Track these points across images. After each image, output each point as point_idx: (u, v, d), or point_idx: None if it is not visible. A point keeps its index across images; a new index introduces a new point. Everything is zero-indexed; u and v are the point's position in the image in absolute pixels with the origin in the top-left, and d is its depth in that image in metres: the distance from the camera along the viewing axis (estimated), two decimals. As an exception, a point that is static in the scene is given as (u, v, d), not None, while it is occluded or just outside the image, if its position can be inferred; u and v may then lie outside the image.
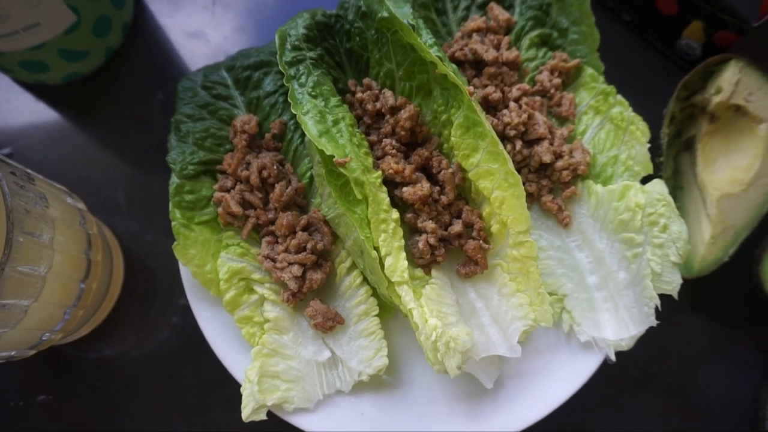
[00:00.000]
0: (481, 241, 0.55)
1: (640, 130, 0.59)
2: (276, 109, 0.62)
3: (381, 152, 0.58)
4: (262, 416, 0.54)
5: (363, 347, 0.55)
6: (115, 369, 0.65)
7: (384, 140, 0.58)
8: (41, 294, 0.52)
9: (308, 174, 0.61)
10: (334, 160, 0.52)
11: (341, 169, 0.52)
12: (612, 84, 0.62)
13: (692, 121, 0.66)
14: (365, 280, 0.57)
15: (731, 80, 0.61)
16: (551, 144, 0.59)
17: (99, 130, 0.73)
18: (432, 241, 0.55)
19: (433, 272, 0.56)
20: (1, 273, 0.47)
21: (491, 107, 0.61)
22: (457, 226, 0.55)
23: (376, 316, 0.56)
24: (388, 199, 0.54)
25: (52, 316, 0.55)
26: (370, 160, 0.56)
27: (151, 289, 0.67)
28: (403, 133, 0.57)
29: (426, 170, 0.58)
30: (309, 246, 0.56)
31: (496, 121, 0.59)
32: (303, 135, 0.61)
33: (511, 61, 0.61)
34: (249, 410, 0.53)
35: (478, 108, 0.53)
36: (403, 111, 0.57)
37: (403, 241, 0.53)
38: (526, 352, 0.56)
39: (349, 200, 0.54)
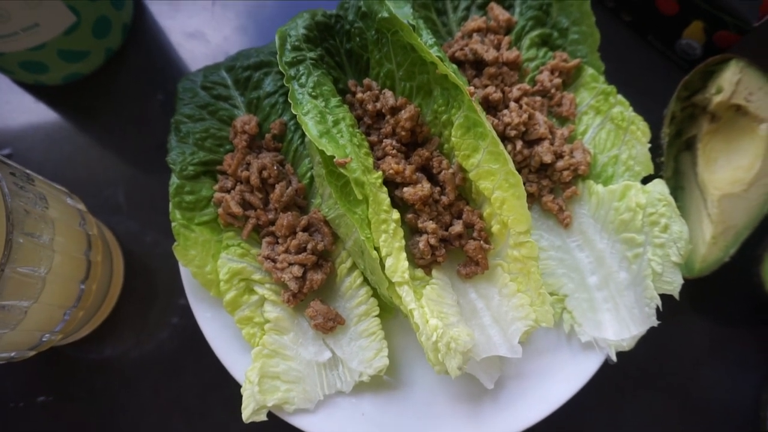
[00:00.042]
0: (481, 242, 0.55)
1: (640, 130, 0.59)
2: (276, 109, 0.62)
3: (381, 152, 0.58)
4: (263, 417, 0.54)
5: (363, 348, 0.55)
6: (115, 370, 0.65)
7: (384, 140, 0.58)
8: (41, 295, 0.52)
9: (308, 174, 0.60)
10: (334, 160, 0.52)
11: (342, 170, 0.52)
12: (612, 84, 0.61)
13: (693, 121, 0.66)
14: (366, 280, 0.57)
15: (732, 80, 0.61)
16: (552, 144, 0.59)
17: (99, 130, 0.73)
18: (432, 241, 0.55)
19: (434, 273, 0.56)
20: (0, 274, 0.46)
21: (492, 107, 0.61)
22: (457, 227, 0.55)
23: (376, 316, 0.56)
24: (388, 199, 0.54)
25: (52, 317, 0.55)
26: (371, 160, 0.56)
27: (151, 290, 0.67)
28: (403, 133, 0.57)
29: (426, 170, 0.58)
30: (309, 246, 0.56)
31: (496, 121, 0.59)
32: (303, 135, 0.61)
33: (512, 61, 0.61)
34: (249, 411, 0.53)
35: (479, 108, 0.53)
36: (403, 111, 0.57)
37: (403, 242, 0.53)
38: (527, 352, 0.56)
39: (349, 201, 0.54)
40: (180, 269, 0.59)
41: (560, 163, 0.59)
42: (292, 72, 0.57)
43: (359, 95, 0.60)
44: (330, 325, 0.55)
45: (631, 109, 0.60)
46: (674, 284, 0.54)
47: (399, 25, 0.55)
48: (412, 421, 0.55)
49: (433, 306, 0.52)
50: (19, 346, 0.55)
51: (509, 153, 0.54)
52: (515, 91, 0.61)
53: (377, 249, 0.52)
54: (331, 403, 0.56)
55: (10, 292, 0.48)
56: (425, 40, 0.54)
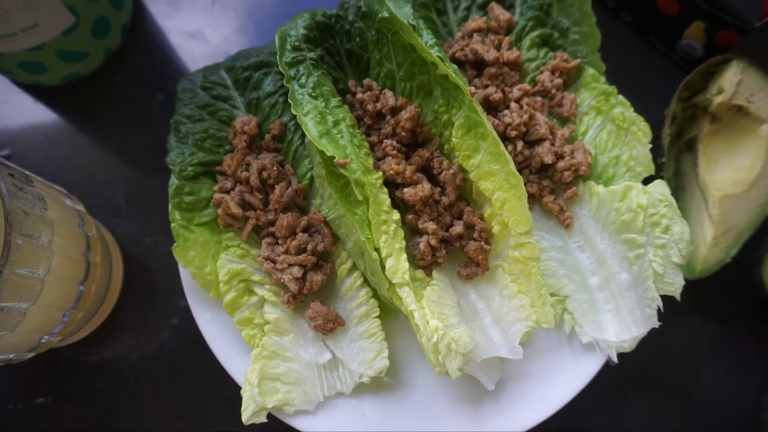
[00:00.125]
0: (482, 243, 0.55)
1: (641, 130, 0.59)
2: (276, 109, 0.62)
3: (382, 153, 0.58)
4: (262, 419, 0.54)
5: (364, 349, 0.55)
6: (114, 371, 0.65)
7: (385, 141, 0.58)
8: (40, 296, 0.52)
9: (308, 175, 0.60)
10: (334, 161, 0.52)
11: (342, 170, 0.52)
12: (613, 84, 0.61)
13: (694, 122, 0.66)
14: (366, 281, 0.57)
15: (733, 81, 0.61)
16: (552, 144, 0.59)
17: (98, 131, 0.73)
18: (433, 242, 0.55)
19: (434, 273, 0.56)
20: (-1, 275, 0.46)
21: (492, 108, 0.61)
22: (458, 228, 0.55)
23: (376, 317, 0.56)
24: (388, 200, 0.53)
25: (50, 318, 0.55)
26: (371, 161, 0.56)
27: (151, 291, 0.67)
28: (403, 133, 0.57)
29: (427, 171, 0.58)
30: (309, 247, 0.56)
31: (497, 121, 0.59)
32: (303, 136, 0.61)
33: (512, 61, 0.61)
34: (249, 413, 0.53)
35: (479, 108, 0.53)
36: (403, 111, 0.57)
37: (404, 243, 0.53)
38: (528, 353, 0.56)
39: (349, 201, 0.53)
40: (179, 270, 0.58)
41: (561, 164, 0.58)
42: (292, 72, 0.57)
43: (359, 95, 0.60)
44: (330, 326, 0.55)
45: (632, 109, 0.60)
46: (675, 285, 0.54)
47: (399, 25, 0.54)
48: (412, 423, 0.55)
49: (433, 307, 0.52)
50: (18, 348, 0.54)
51: (510, 153, 0.54)
52: (516, 92, 0.61)
53: (377, 250, 0.52)
54: (331, 404, 0.55)
55: (9, 294, 0.48)
56: (426, 40, 0.54)
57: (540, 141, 0.60)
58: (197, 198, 0.58)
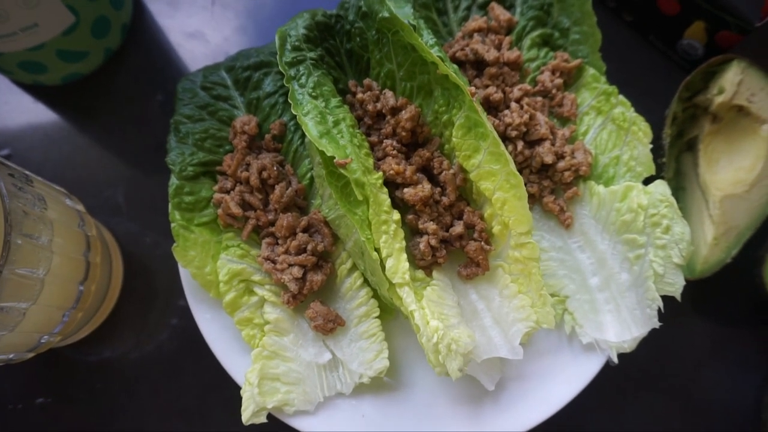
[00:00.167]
0: (482, 243, 0.55)
1: (642, 130, 0.59)
2: (276, 109, 0.62)
3: (382, 153, 0.58)
4: (262, 419, 0.54)
5: (364, 349, 0.55)
6: (114, 371, 0.65)
7: (385, 141, 0.58)
8: (40, 296, 0.52)
9: (308, 175, 0.60)
10: (335, 161, 0.52)
11: (342, 170, 0.52)
12: (614, 84, 0.61)
13: (694, 122, 0.66)
14: (366, 281, 0.57)
15: (733, 81, 0.61)
16: (553, 144, 0.59)
17: (98, 131, 0.73)
18: (433, 242, 0.54)
19: (435, 274, 0.55)
20: (-1, 275, 0.46)
21: (492, 108, 0.61)
22: (458, 228, 0.55)
23: (376, 317, 0.56)
24: (389, 200, 0.53)
25: (50, 318, 0.55)
26: (371, 161, 0.56)
27: (151, 291, 0.67)
28: (404, 133, 0.57)
29: (427, 171, 0.58)
30: (309, 247, 0.56)
31: (497, 121, 0.59)
32: (303, 136, 0.61)
33: (513, 61, 0.61)
34: (249, 413, 0.53)
35: (480, 108, 0.53)
36: (403, 111, 0.57)
37: (404, 243, 0.53)
38: (528, 354, 0.56)
39: (349, 201, 0.53)
40: (179, 270, 0.58)
41: (561, 164, 0.58)
42: (292, 72, 0.57)
43: (359, 95, 0.60)
44: (330, 326, 0.55)
45: (632, 109, 0.60)
46: (676, 285, 0.54)
47: (399, 25, 0.54)
48: (412, 423, 0.55)
49: (433, 307, 0.52)
50: (18, 348, 0.54)
51: (510, 153, 0.54)
52: (516, 92, 0.61)
53: (377, 250, 0.52)
54: (331, 404, 0.55)
55: (9, 294, 0.48)
56: (426, 40, 0.54)
57: (540, 141, 0.59)
58: (197, 198, 0.58)
